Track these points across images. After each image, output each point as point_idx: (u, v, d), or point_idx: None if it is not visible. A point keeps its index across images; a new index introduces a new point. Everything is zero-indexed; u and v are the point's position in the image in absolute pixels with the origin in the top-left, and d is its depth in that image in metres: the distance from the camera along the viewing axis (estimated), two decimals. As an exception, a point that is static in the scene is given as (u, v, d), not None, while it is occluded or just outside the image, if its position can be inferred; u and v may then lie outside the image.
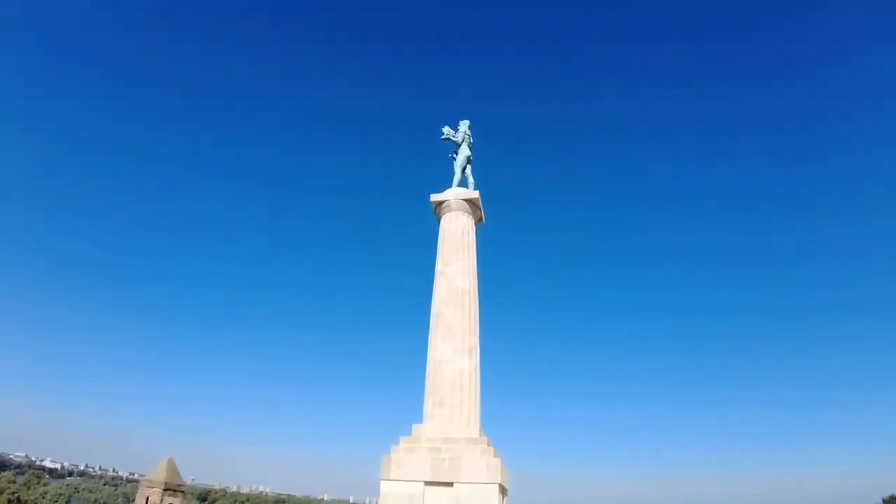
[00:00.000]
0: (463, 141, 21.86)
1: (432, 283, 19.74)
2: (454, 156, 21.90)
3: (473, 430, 17.06)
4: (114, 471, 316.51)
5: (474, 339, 18.62)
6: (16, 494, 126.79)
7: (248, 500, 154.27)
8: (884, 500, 46.26)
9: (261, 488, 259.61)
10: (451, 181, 21.35)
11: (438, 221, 21.01)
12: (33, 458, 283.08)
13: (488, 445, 16.66)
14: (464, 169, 21.60)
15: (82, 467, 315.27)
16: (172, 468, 28.05)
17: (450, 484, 15.70)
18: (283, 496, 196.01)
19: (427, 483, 15.87)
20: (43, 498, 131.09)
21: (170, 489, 28.05)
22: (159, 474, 27.59)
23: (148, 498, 27.23)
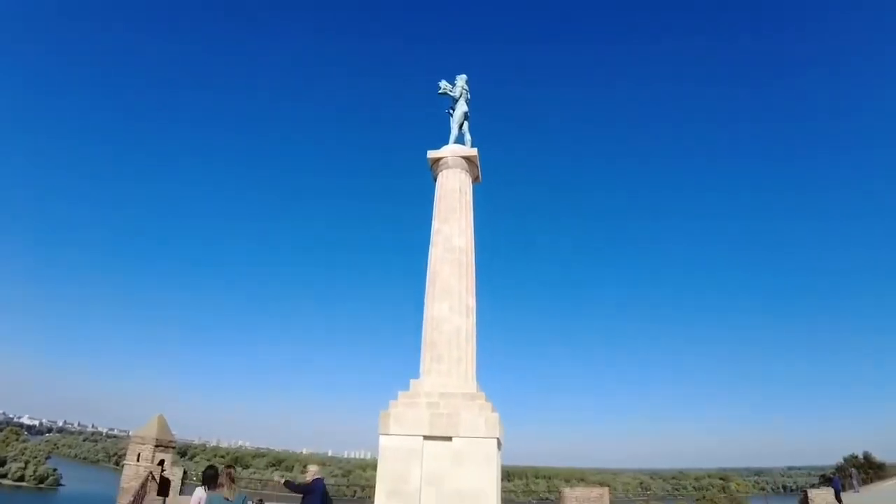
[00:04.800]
0: (460, 96, 21.39)
1: (429, 241, 19.69)
2: (451, 111, 21.47)
3: (471, 385, 17.37)
4: (93, 427, 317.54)
5: (471, 298, 18.74)
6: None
7: (227, 454, 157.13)
8: (844, 459, 49.09)
9: (240, 443, 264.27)
10: (448, 138, 21.04)
11: (435, 179, 20.77)
12: (10, 416, 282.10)
13: (485, 401, 16.99)
14: (461, 125, 21.22)
15: (61, 424, 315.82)
16: (163, 424, 28.11)
17: (448, 438, 16.04)
18: (262, 450, 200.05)
19: (426, 437, 16.18)
20: (22, 454, 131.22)
21: (161, 445, 28.15)
22: (150, 430, 27.61)
23: (140, 454, 27.31)
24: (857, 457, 48.78)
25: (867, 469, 45.66)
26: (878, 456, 48.45)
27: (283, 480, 12.36)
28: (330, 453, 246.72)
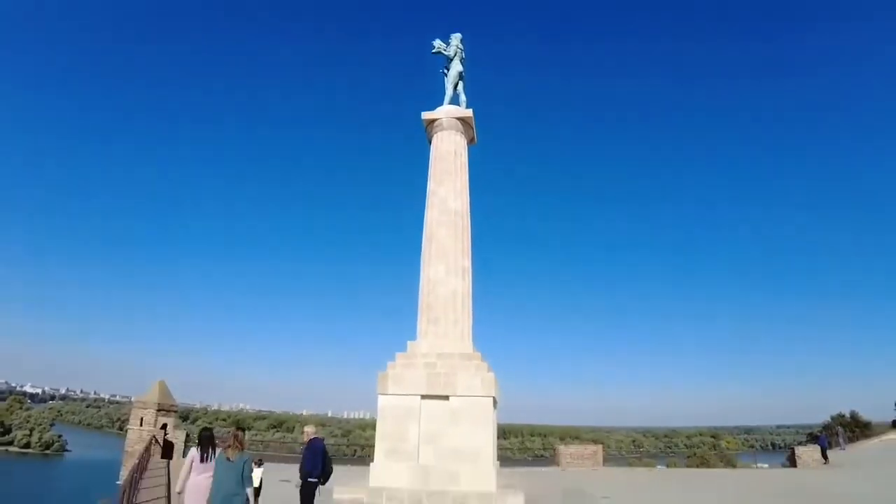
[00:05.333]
0: (455, 55, 20.89)
1: (424, 204, 19.57)
2: (445, 71, 21.02)
3: (467, 346, 17.57)
4: (95, 394, 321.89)
5: (467, 260, 18.77)
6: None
7: (228, 417, 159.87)
8: (832, 418, 50.17)
9: (241, 406, 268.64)
10: (443, 99, 20.68)
11: (430, 141, 20.52)
12: (13, 384, 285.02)
13: (482, 361, 17.23)
14: (455, 85, 20.79)
15: (63, 391, 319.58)
16: (164, 389, 28.49)
17: (445, 397, 16.31)
18: (263, 413, 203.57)
19: (423, 397, 16.45)
20: (27, 422, 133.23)
21: (163, 409, 28.58)
22: (152, 395, 28.01)
23: (142, 418, 27.74)
24: (844, 416, 49.84)
25: (854, 428, 46.76)
26: (865, 415, 49.57)
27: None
28: (330, 414, 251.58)
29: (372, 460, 16.34)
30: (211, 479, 8.60)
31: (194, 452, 8.96)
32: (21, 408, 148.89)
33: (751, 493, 18.60)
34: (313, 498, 10.74)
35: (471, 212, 19.71)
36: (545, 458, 30.75)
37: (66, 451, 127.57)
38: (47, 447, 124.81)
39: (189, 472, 8.79)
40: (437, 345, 17.47)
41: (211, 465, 8.76)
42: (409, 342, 18.09)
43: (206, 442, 9.05)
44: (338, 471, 14.83)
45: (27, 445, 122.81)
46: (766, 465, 33.04)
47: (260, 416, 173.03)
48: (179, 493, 9.04)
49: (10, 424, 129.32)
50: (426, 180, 19.79)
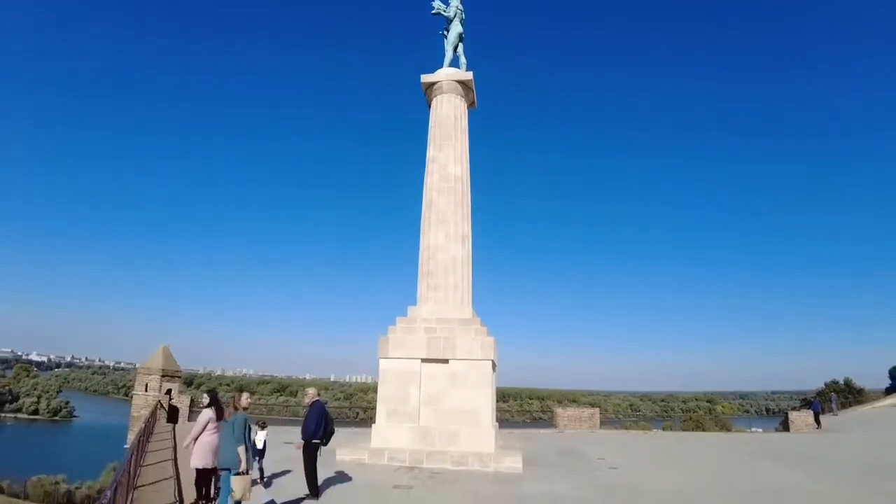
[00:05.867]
0: (455, 17, 20.41)
1: (424, 170, 19.43)
2: (445, 33, 20.57)
3: (467, 311, 17.72)
4: (100, 361, 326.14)
5: (467, 226, 18.75)
6: (7, 387, 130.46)
7: (232, 382, 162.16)
8: (826, 385, 50.83)
9: (244, 371, 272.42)
10: (443, 61, 20.30)
11: (429, 105, 20.24)
12: (19, 353, 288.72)
13: (481, 325, 17.41)
14: (455, 48, 20.39)
15: (69, 359, 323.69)
16: (168, 355, 28.84)
17: (445, 361, 16.54)
18: (266, 377, 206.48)
19: (424, 360, 16.69)
20: (34, 389, 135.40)
21: (167, 375, 28.97)
22: (156, 361, 28.37)
23: (147, 384, 28.16)
24: (838, 383, 50.57)
25: (847, 394, 47.54)
26: (859, 382, 50.30)
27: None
28: (332, 378, 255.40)
29: (374, 422, 16.70)
30: (216, 437, 8.84)
31: (210, 413, 9.22)
32: (28, 376, 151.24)
33: (741, 455, 19.04)
34: (315, 458, 10.96)
35: (471, 176, 19.60)
36: (543, 420, 31.32)
37: (74, 416, 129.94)
38: (55, 413, 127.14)
39: (202, 430, 9.10)
40: (437, 310, 17.62)
41: (219, 424, 9.02)
42: (409, 307, 18.24)
43: (215, 402, 9.37)
44: (340, 433, 15.18)
45: (35, 412, 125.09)
46: (760, 430, 33.71)
47: (263, 381, 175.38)
48: (186, 447, 9.32)
49: (18, 392, 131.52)
50: (426, 146, 19.60)
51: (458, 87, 19.78)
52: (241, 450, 7.76)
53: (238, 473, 7.67)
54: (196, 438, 9.11)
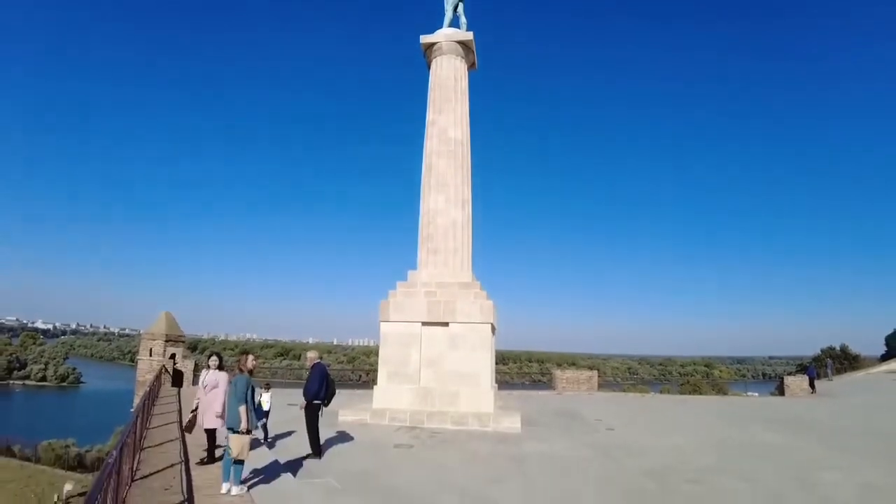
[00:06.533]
0: (455, -26, 19.82)
1: (424, 133, 19.19)
2: (444, -9, 20.01)
3: (466, 275, 17.78)
4: (105, 328, 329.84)
5: (467, 190, 18.63)
6: (14, 355, 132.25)
7: (235, 346, 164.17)
8: (822, 350, 51.27)
9: (248, 336, 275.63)
10: (442, 22, 19.79)
11: (429, 67, 19.84)
12: (24, 321, 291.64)
13: (480, 289, 17.49)
14: (455, 7, 19.85)
15: (74, 326, 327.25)
16: (171, 320, 29.07)
17: (445, 324, 16.69)
18: (269, 342, 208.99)
19: (424, 323, 16.84)
20: (41, 356, 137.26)
21: (170, 340, 29.25)
22: (159, 327, 28.61)
23: (151, 349, 28.48)
24: (834, 349, 51.01)
25: (842, 360, 48.00)
26: (855, 349, 50.72)
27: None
28: (335, 342, 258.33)
29: (375, 384, 16.97)
30: (218, 395, 9.02)
31: (203, 373, 9.48)
32: (35, 343, 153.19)
33: (736, 417, 19.41)
34: (318, 419, 11.17)
35: (471, 139, 19.36)
36: (542, 382, 31.75)
37: (81, 382, 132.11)
38: (63, 380, 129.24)
39: (201, 389, 9.37)
40: (437, 274, 17.68)
41: (218, 382, 9.19)
42: (409, 272, 18.29)
43: (215, 361, 9.56)
44: (343, 395, 15.46)
45: (43, 379, 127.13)
46: (756, 394, 34.19)
47: (267, 345, 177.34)
48: (193, 412, 9.55)
49: (26, 359, 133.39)
50: (426, 109, 19.29)
51: (458, 47, 19.35)
52: (243, 409, 7.87)
53: (238, 433, 7.82)
54: (199, 400, 9.43)
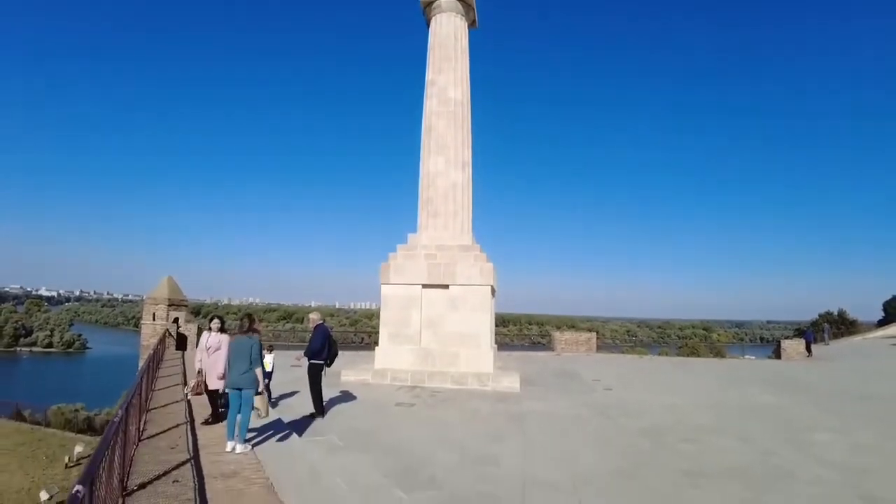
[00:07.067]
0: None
1: (423, 94, 18.81)
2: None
3: (466, 238, 17.73)
4: (109, 294, 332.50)
5: (467, 152, 18.39)
6: (20, 322, 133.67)
7: (238, 310, 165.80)
8: (820, 315, 51.58)
9: (251, 300, 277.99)
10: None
11: (428, 25, 19.31)
12: (28, 289, 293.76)
13: (480, 252, 17.46)
14: (455, -39, 19.20)
15: (77, 293, 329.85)
16: (173, 284, 29.23)
17: (445, 286, 16.74)
18: (272, 305, 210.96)
19: (424, 286, 16.89)
20: (47, 323, 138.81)
21: (173, 304, 29.46)
22: (161, 291, 28.78)
23: (154, 313, 28.70)
24: (832, 314, 51.36)
25: (840, 325, 48.39)
26: (852, 314, 51.05)
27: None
28: (337, 305, 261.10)
29: (377, 345, 17.14)
30: (220, 357, 9.10)
31: (205, 335, 9.58)
32: (40, 310, 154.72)
33: (732, 379, 19.68)
34: (321, 379, 11.28)
35: (472, 100, 19.00)
36: (542, 344, 32.12)
37: (87, 348, 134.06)
38: (69, 346, 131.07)
39: (203, 352, 9.46)
40: (437, 237, 17.63)
41: (221, 344, 9.27)
42: (409, 234, 18.24)
43: (217, 324, 9.65)
44: (345, 356, 15.61)
45: (49, 345, 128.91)
46: (753, 357, 34.58)
47: (270, 309, 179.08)
48: (199, 373, 9.66)
49: (31, 326, 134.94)
50: (425, 69, 18.86)
51: (458, 4, 18.80)
52: (259, 371, 8.07)
53: (259, 393, 8.25)
54: (201, 361, 9.60)
